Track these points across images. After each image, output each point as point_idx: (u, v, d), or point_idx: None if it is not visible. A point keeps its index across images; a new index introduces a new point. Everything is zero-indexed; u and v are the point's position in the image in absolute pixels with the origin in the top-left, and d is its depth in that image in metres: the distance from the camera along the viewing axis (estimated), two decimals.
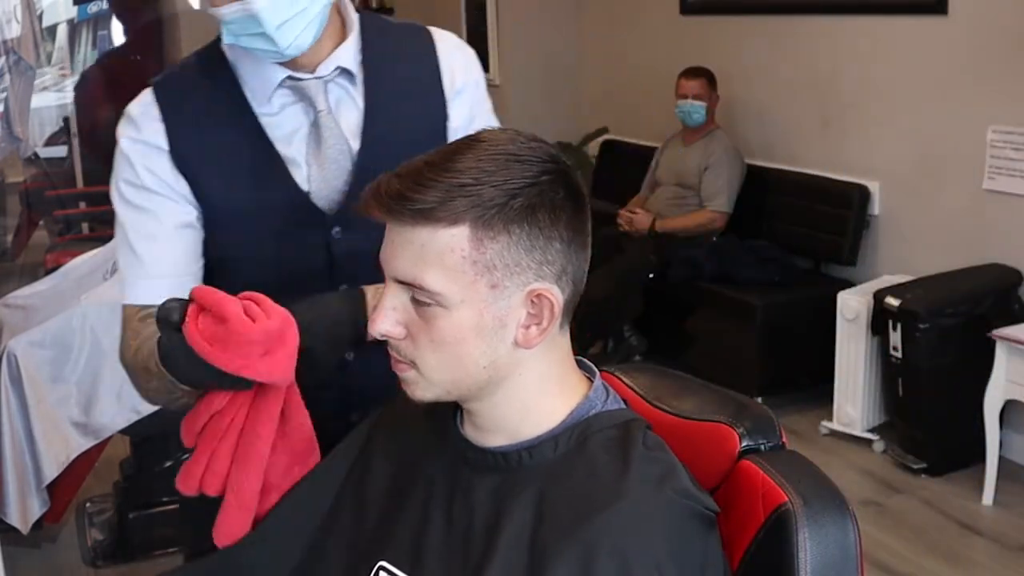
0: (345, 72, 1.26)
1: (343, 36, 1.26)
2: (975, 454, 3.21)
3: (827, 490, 0.95)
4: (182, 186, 1.23)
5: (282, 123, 1.24)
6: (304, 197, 1.24)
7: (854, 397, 3.59)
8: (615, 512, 0.88)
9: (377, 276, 1.03)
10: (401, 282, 0.93)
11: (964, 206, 3.55)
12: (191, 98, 1.24)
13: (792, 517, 0.92)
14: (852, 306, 3.54)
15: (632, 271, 4.21)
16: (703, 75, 4.27)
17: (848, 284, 3.82)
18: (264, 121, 1.24)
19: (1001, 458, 3.17)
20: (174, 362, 1.05)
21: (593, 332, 4.30)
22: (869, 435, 3.58)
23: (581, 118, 5.69)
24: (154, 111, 1.22)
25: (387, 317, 0.94)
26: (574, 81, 5.78)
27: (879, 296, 3.36)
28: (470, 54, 1.38)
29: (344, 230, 1.25)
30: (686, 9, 4.82)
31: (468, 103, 1.33)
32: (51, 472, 2.76)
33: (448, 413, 1.05)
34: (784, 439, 1.04)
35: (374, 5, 6.93)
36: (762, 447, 1.02)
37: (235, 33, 1.16)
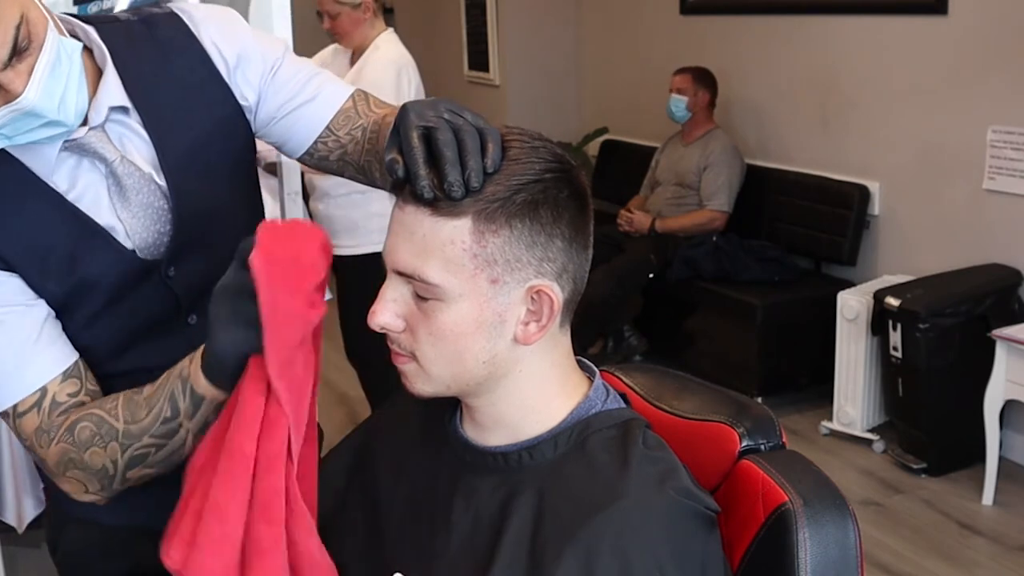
0: (118, 108, 1.12)
1: (97, 71, 1.12)
2: (975, 454, 3.22)
3: (827, 490, 0.95)
4: (6, 275, 1.08)
5: (84, 193, 1.11)
6: (131, 256, 1.13)
7: (854, 397, 3.59)
8: (616, 511, 0.88)
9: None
10: (402, 274, 0.93)
11: (964, 206, 3.55)
12: None
13: (792, 517, 0.92)
14: (852, 306, 3.54)
15: (632, 271, 4.21)
16: (689, 71, 4.29)
17: (848, 284, 3.82)
18: (69, 198, 1.11)
19: (1001, 458, 3.17)
20: (214, 302, 0.95)
21: (593, 332, 4.30)
22: (869, 435, 3.58)
23: (581, 118, 5.70)
24: None
25: (386, 309, 0.94)
26: (574, 81, 5.78)
27: (879, 296, 3.36)
28: (226, 19, 1.22)
29: (177, 266, 1.16)
30: (686, 9, 4.82)
31: (256, 70, 1.20)
32: None
33: (446, 413, 1.05)
34: (784, 439, 1.04)
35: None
36: (762, 447, 1.01)
37: (9, 135, 1.02)
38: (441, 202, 0.89)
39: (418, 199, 0.89)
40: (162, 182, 1.14)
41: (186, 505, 0.99)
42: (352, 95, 1.25)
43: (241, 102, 1.21)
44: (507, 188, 0.89)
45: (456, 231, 0.89)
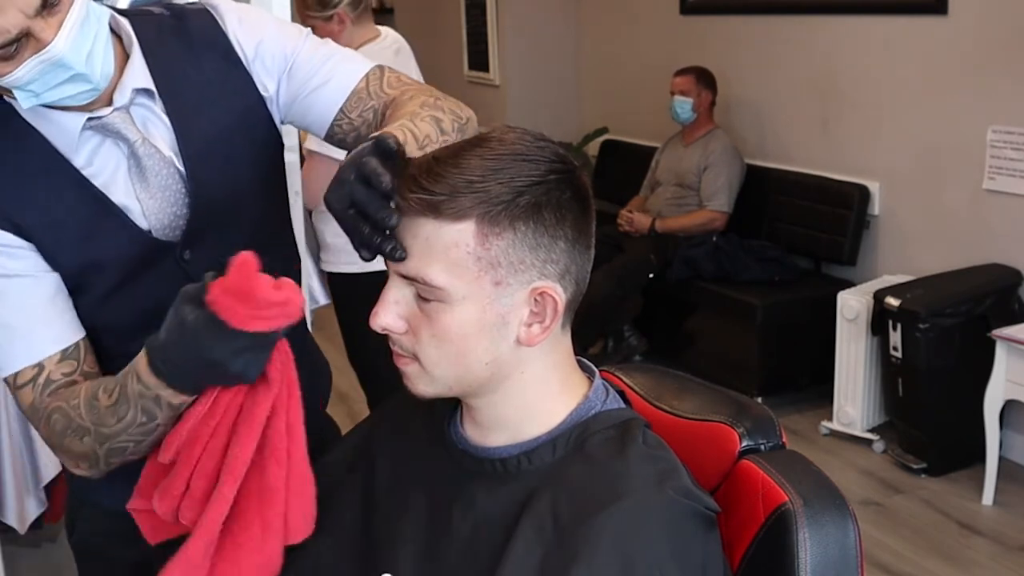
0: (142, 91, 1.16)
1: (124, 55, 1.16)
2: (975, 454, 3.22)
3: (827, 490, 0.95)
4: (22, 242, 1.12)
5: (101, 170, 1.14)
6: (147, 237, 1.16)
7: (854, 397, 3.59)
8: (616, 511, 0.87)
9: None
10: (404, 276, 0.93)
11: (964, 206, 3.55)
12: (0, 172, 1.11)
13: (792, 517, 0.92)
14: (852, 306, 3.54)
15: (632, 271, 4.21)
16: (691, 72, 4.29)
17: (848, 284, 3.82)
18: (86, 174, 1.14)
19: (1001, 458, 3.17)
20: (181, 345, 0.96)
21: (593, 332, 4.30)
22: (869, 435, 3.58)
23: (581, 118, 5.70)
24: None
25: (389, 311, 0.94)
26: (574, 81, 5.78)
27: (879, 296, 3.36)
28: (249, 10, 1.26)
29: (193, 250, 1.19)
30: (686, 9, 4.82)
31: (274, 59, 1.23)
32: (49, 472, 2.76)
33: (446, 413, 1.05)
34: (784, 439, 1.04)
35: (375, 5, 6.93)
36: (762, 447, 1.02)
37: (37, 91, 1.04)
38: (442, 204, 0.89)
39: (419, 199, 0.90)
40: (181, 167, 1.17)
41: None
42: (367, 74, 1.25)
43: (263, 93, 1.23)
44: (511, 190, 0.89)
45: (460, 234, 0.89)
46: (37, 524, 2.83)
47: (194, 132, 1.18)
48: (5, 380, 1.14)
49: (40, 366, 1.12)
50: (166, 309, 1.05)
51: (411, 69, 2.95)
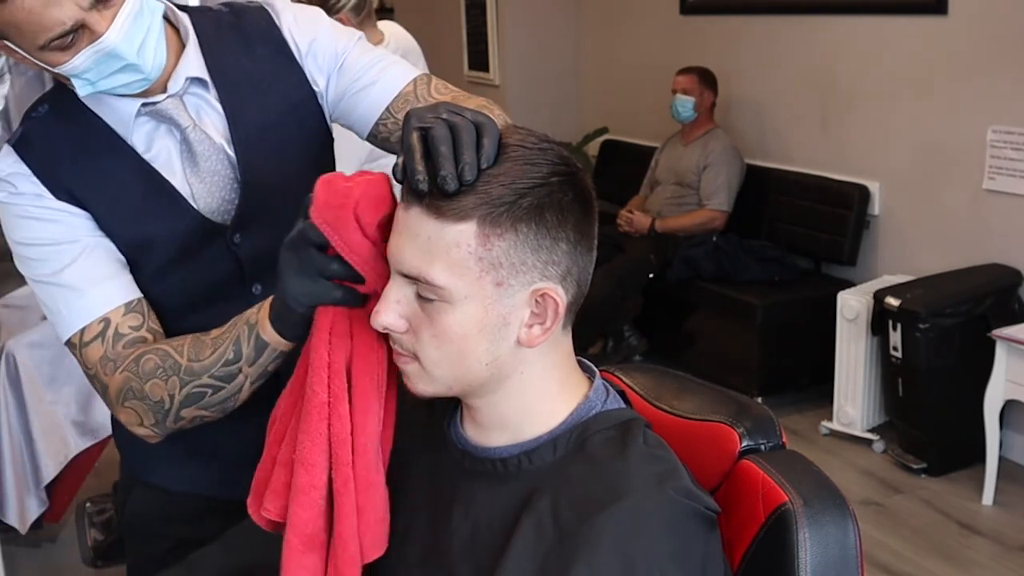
0: (196, 81, 1.23)
1: (180, 45, 1.23)
2: (975, 454, 3.22)
3: (827, 490, 0.95)
4: (79, 211, 1.18)
5: (157, 155, 1.21)
6: (198, 217, 1.22)
7: (854, 397, 3.59)
8: (617, 511, 0.87)
9: None
10: (406, 276, 0.93)
11: (964, 206, 3.56)
12: (63, 150, 1.19)
13: (792, 517, 0.92)
14: (852, 306, 3.54)
15: (632, 271, 4.21)
16: (694, 72, 4.29)
17: (848, 284, 3.83)
18: (144, 156, 1.21)
19: (1001, 458, 3.17)
20: (295, 281, 0.98)
21: (593, 332, 4.30)
22: (869, 435, 3.58)
23: (581, 118, 5.70)
24: (23, 169, 1.17)
25: (390, 310, 0.93)
26: (574, 81, 5.78)
27: (879, 296, 3.36)
28: (305, 9, 1.32)
29: (243, 234, 1.24)
30: (686, 9, 4.82)
31: (326, 56, 1.29)
32: (50, 472, 2.77)
33: (447, 413, 1.05)
34: (784, 439, 1.04)
35: (375, 5, 6.93)
36: (762, 447, 1.02)
37: (93, 80, 1.11)
38: (444, 204, 0.89)
39: (420, 198, 0.89)
40: (232, 153, 1.23)
41: (272, 457, 1.04)
42: (415, 79, 1.30)
43: (314, 87, 1.29)
44: (513, 191, 0.89)
45: (462, 235, 0.89)
46: (37, 524, 2.84)
47: (245, 120, 1.24)
48: (69, 342, 1.17)
49: (106, 320, 1.16)
50: (216, 291, 1.14)
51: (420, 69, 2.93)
